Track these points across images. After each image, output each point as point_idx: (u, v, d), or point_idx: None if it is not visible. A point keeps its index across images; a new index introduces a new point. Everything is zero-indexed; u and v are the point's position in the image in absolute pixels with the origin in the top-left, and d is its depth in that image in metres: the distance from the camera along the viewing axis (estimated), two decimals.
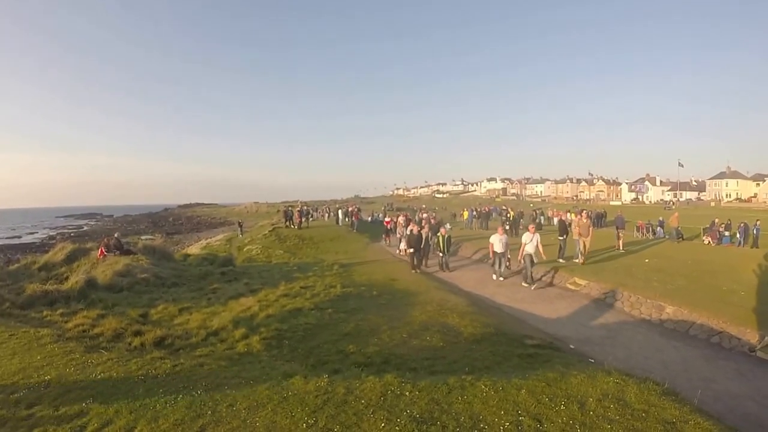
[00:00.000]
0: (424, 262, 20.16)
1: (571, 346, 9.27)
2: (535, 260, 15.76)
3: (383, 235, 31.52)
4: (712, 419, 4.54)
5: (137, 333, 8.70)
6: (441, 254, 19.46)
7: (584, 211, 21.64)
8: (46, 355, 6.91)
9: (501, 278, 16.52)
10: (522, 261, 15.78)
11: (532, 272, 15.65)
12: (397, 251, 24.91)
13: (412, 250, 19.22)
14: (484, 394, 4.95)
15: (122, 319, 9.65)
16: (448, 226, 24.35)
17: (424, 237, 19.89)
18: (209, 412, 4.66)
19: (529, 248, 15.41)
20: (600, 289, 13.79)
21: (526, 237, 15.65)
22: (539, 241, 15.67)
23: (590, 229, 18.38)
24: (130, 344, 8.06)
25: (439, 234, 19.76)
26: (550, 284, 15.63)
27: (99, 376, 5.94)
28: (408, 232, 21.37)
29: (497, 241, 16.77)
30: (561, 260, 18.02)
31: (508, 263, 17.46)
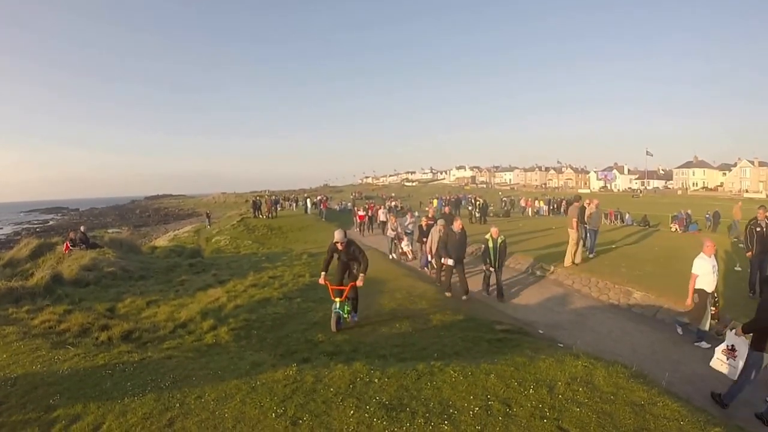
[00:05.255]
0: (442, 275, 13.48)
1: (540, 331, 9.39)
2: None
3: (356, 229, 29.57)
4: (680, 401, 4.65)
5: (104, 327, 8.64)
6: (491, 268, 12.46)
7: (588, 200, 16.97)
8: (12, 353, 6.86)
9: (706, 344, 8.44)
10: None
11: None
12: (391, 255, 19.00)
13: (451, 262, 12.27)
14: (453, 379, 5.02)
15: (89, 314, 9.54)
16: (416, 213, 22.45)
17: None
18: (177, 405, 4.65)
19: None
20: (567, 274, 13.94)
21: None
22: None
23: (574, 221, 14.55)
24: (97, 339, 8.01)
25: (488, 236, 12.50)
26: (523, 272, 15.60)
27: (66, 372, 5.91)
28: (437, 232, 13.80)
29: (711, 270, 8.80)
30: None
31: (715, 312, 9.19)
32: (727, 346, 6.47)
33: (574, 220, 14.34)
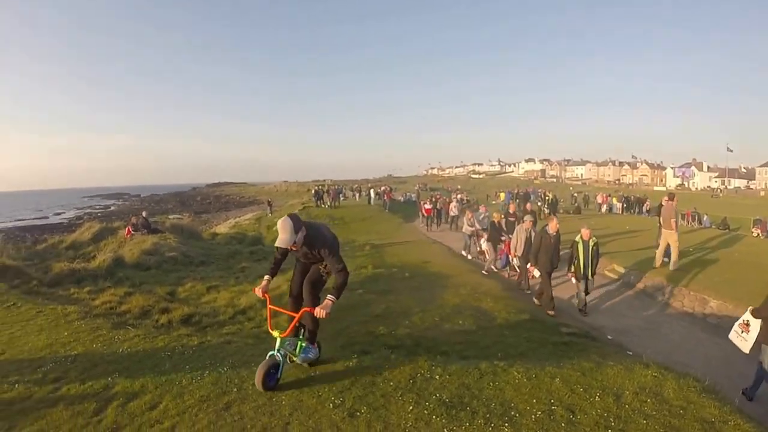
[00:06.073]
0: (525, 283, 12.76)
1: (609, 337, 9.21)
2: None
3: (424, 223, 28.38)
4: (753, 421, 4.41)
5: (164, 310, 8.95)
6: (578, 279, 10.94)
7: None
8: (73, 331, 7.17)
9: None
10: None
11: None
12: (464, 253, 18.17)
13: (537, 273, 11.17)
14: (517, 381, 4.94)
15: (149, 297, 9.88)
16: (482, 208, 21.44)
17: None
18: (235, 390, 4.73)
19: None
20: (640, 278, 13.53)
21: None
22: None
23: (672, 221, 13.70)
24: (157, 321, 8.28)
25: (578, 238, 10.99)
26: None
27: (125, 352, 6.13)
28: (523, 231, 12.69)
29: None
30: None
31: None
32: (744, 320, 7.04)
33: (673, 220, 13.67)
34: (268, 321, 5.05)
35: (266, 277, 5.35)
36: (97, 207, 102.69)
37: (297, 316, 4.98)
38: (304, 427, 4.07)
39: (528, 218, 13.08)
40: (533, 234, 12.07)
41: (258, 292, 5.17)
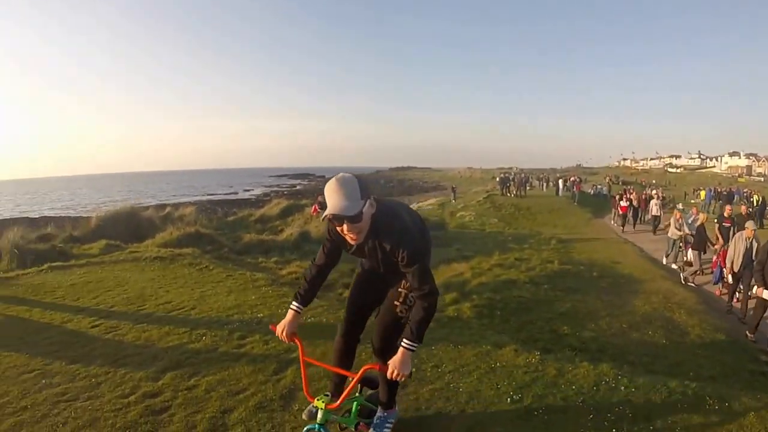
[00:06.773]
0: (737, 300, 10.97)
1: None
2: None
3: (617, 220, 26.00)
4: None
5: (346, 285, 9.44)
6: None
7: None
8: (260, 295, 7.74)
9: None
10: None
11: None
12: (669, 262, 16.26)
13: None
14: (707, 407, 4.52)
15: (333, 272, 10.44)
16: (680, 206, 18.77)
17: None
18: (413, 370, 4.81)
19: None
20: None
21: None
22: None
23: None
24: (340, 295, 8.84)
25: None
26: None
27: (309, 321, 6.45)
28: (742, 240, 10.51)
29: None
30: None
31: None
32: None
33: None
34: (303, 382, 3.04)
35: (293, 305, 3.22)
36: (284, 186, 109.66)
37: (356, 376, 2.88)
38: (479, 417, 4.05)
39: (750, 225, 10.83)
40: (755, 245, 10.04)
41: (281, 333, 3.11)
